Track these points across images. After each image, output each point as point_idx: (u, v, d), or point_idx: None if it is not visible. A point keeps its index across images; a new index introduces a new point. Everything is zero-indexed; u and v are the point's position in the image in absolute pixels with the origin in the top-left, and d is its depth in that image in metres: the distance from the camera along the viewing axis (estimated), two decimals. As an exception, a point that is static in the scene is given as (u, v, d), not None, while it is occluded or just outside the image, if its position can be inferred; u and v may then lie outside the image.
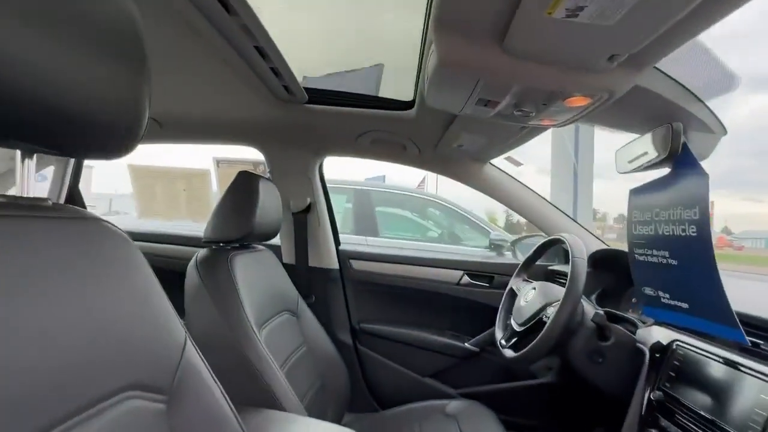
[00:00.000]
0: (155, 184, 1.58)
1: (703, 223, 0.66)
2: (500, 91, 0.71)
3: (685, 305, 0.74)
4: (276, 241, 1.61)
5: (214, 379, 0.58)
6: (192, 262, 1.02)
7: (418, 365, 1.56)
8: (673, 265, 0.74)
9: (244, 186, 1.10)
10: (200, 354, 0.58)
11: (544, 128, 1.01)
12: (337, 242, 1.65)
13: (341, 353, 1.37)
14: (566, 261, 1.06)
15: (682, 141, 0.65)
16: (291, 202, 1.53)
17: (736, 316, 0.64)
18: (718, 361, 0.75)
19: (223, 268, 1.02)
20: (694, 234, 0.68)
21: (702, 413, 0.73)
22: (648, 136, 0.73)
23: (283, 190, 1.54)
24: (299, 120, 1.27)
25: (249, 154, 1.54)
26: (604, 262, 1.32)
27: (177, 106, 1.25)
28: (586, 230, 1.44)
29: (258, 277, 1.14)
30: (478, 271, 1.59)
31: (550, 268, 1.52)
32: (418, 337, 1.56)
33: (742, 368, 0.70)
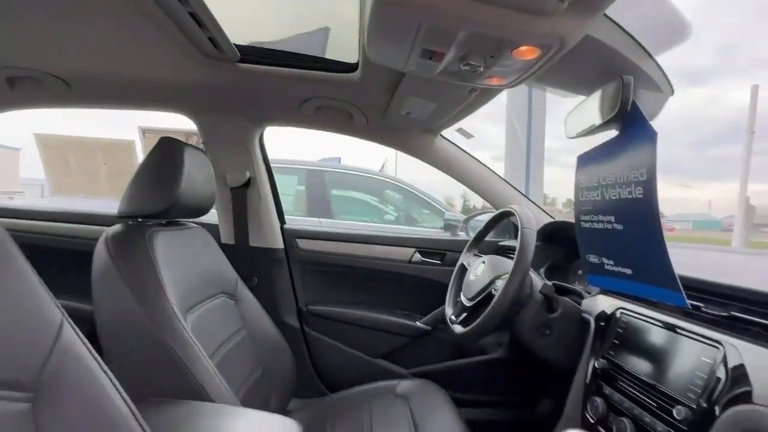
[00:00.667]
0: (69, 156, 1.37)
1: (651, 184, 0.63)
2: (445, 39, 0.64)
3: (628, 271, 0.72)
4: (215, 220, 1.48)
5: (104, 370, 0.48)
6: (101, 239, 0.89)
7: (368, 346, 1.50)
8: (618, 230, 0.71)
9: (165, 153, 0.96)
10: (83, 340, 0.48)
11: (494, 91, 0.96)
12: (282, 220, 1.55)
13: (287, 337, 1.28)
14: (516, 236, 1.03)
15: (631, 97, 0.62)
16: (228, 176, 1.40)
17: (678, 280, 0.63)
18: (660, 327, 0.75)
19: (140, 245, 0.89)
20: (641, 196, 0.65)
21: (644, 379, 0.72)
22: (596, 95, 0.69)
23: (219, 162, 1.40)
24: (232, 82, 1.14)
25: (181, 124, 1.39)
26: (553, 235, 1.31)
27: (86, 63, 1.08)
28: (537, 205, 1.44)
29: (184, 257, 1.02)
30: (429, 249, 1.54)
31: (501, 243, 1.50)
32: (368, 317, 1.51)
33: (683, 332, 0.70)
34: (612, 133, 0.73)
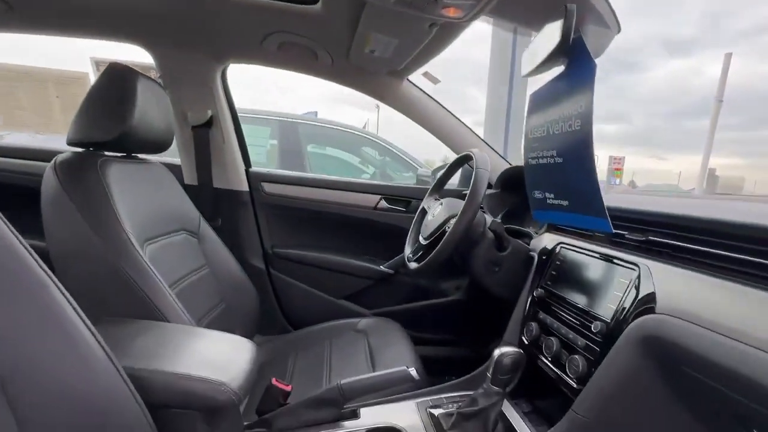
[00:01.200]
0: (18, 87, 1.30)
1: (587, 116, 0.66)
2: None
3: (565, 203, 0.76)
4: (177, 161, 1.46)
5: (59, 288, 0.49)
6: (49, 166, 0.87)
7: (332, 288, 1.55)
8: (559, 164, 0.75)
9: (115, 79, 0.93)
10: (35, 257, 0.48)
11: (455, 28, 0.95)
12: (247, 164, 1.53)
13: (252, 278, 1.31)
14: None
15: (574, 26, 0.63)
16: (189, 114, 1.36)
17: (605, 209, 0.67)
18: (592, 256, 0.80)
19: (91, 173, 0.88)
20: (578, 128, 0.68)
21: (573, 302, 0.79)
22: (546, 29, 0.70)
23: (179, 99, 1.36)
24: (189, 10, 1.09)
25: (140, 57, 1.32)
26: (511, 181, 1.35)
27: (28, -21, 1.01)
28: (497, 152, 1.47)
29: (142, 191, 1.01)
30: (394, 196, 1.57)
31: (463, 192, 1.55)
32: (332, 260, 1.55)
33: (609, 259, 0.76)
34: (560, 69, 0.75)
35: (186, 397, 0.63)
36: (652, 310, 0.61)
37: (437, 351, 1.52)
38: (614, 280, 0.71)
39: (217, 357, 0.71)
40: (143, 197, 1.01)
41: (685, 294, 0.57)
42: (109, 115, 0.91)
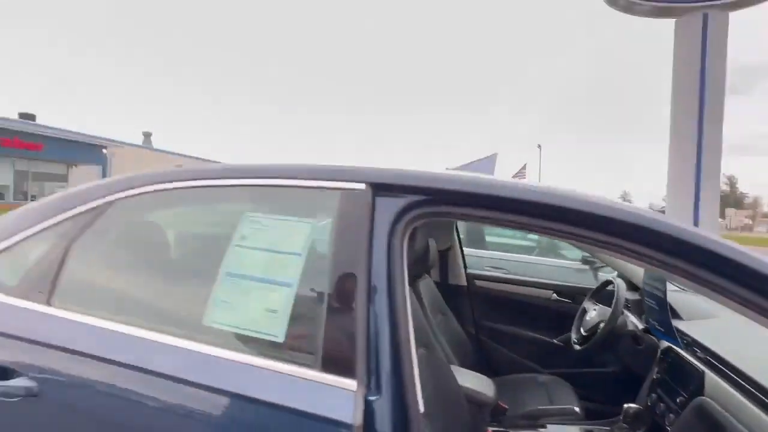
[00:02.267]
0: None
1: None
2: None
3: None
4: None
5: None
6: None
7: (517, 350, 2.36)
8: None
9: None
10: None
11: None
12: (465, 266, 2.53)
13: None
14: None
15: None
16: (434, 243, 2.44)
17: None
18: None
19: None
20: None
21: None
22: None
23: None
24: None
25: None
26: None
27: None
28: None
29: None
30: (564, 292, 2.33)
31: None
32: (519, 332, 2.37)
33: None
34: None
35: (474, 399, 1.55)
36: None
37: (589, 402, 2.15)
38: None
39: (480, 382, 1.63)
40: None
41: None
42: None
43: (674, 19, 7.99)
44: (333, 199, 0.95)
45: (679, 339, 1.37)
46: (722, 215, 66.51)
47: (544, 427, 1.64)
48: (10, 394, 0.88)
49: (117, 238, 1.17)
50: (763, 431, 1.04)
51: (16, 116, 23.29)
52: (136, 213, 1.18)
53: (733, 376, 1.20)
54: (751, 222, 71.47)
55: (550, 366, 2.29)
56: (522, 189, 0.89)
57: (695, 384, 1.29)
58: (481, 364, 2.39)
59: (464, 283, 2.47)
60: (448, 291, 2.45)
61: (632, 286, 1.97)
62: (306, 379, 0.81)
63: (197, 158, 42.40)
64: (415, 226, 0.95)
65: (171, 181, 1.09)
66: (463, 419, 1.41)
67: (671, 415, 1.36)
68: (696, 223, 7.39)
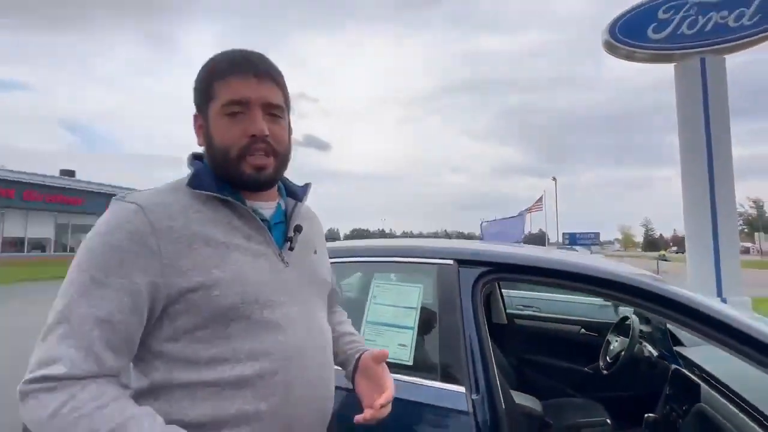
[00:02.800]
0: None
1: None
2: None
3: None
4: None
5: None
6: None
7: (557, 379, 2.78)
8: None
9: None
10: None
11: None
12: (504, 306, 3.00)
13: None
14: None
15: None
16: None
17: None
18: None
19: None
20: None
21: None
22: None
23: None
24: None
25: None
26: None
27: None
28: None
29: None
30: (590, 327, 2.77)
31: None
32: (556, 363, 2.80)
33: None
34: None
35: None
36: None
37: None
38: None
39: (529, 400, 2.07)
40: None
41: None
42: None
43: (673, 64, 8.62)
44: (434, 270, 1.50)
45: (681, 361, 1.82)
46: (752, 239, 64.21)
47: (582, 437, 2.06)
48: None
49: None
50: (740, 424, 1.48)
51: (57, 173, 25.13)
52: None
53: (718, 386, 1.65)
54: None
55: (583, 391, 2.69)
56: (553, 261, 1.42)
57: (694, 394, 1.74)
58: (525, 390, 2.81)
59: (505, 321, 2.93)
60: (492, 329, 2.92)
61: (645, 320, 2.42)
62: (432, 386, 1.32)
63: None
64: (487, 285, 1.49)
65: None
66: (521, 428, 1.86)
67: (680, 420, 1.79)
68: (716, 247, 7.66)
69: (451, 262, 1.48)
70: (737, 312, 1.23)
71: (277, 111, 0.81)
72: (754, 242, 53.06)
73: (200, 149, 0.85)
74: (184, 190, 0.78)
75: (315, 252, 0.94)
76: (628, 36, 8.78)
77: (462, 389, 1.28)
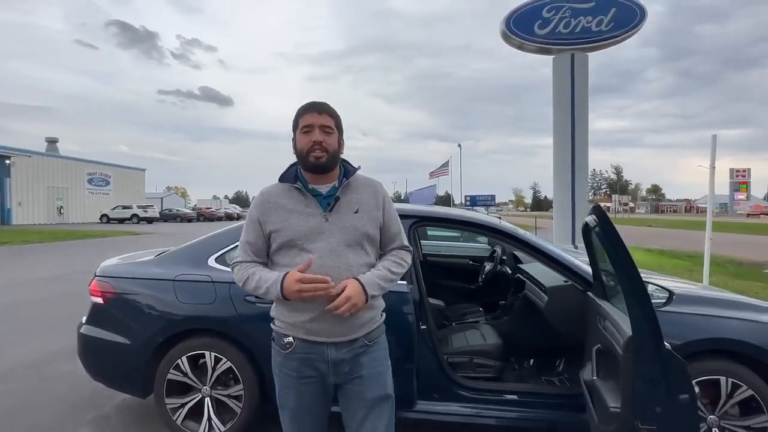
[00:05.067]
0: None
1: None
2: None
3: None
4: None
5: None
6: None
7: (455, 293, 4.17)
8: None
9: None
10: None
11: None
12: (420, 249, 4.28)
13: None
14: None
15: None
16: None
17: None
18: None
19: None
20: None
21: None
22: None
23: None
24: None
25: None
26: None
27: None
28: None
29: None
30: (474, 259, 4.19)
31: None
32: (454, 284, 4.18)
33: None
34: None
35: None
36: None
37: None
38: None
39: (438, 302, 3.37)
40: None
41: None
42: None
43: (552, 56, 10.55)
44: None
45: (519, 272, 3.24)
46: (610, 200, 77.18)
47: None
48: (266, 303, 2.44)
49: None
50: (536, 293, 2.88)
51: None
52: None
53: (532, 282, 3.09)
54: (633, 205, 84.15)
55: (470, 299, 4.10)
56: (452, 214, 2.64)
57: (522, 287, 3.16)
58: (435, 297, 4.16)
59: (422, 258, 4.19)
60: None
61: (502, 251, 3.88)
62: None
63: (113, 165, 39.45)
64: (418, 229, 2.66)
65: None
66: (433, 315, 3.15)
67: (515, 302, 3.22)
68: (573, 205, 9.99)
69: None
70: (545, 242, 2.60)
71: (329, 129, 1.38)
72: (611, 202, 63.89)
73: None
74: (279, 183, 1.46)
75: (357, 212, 1.40)
76: (519, 29, 10.41)
77: (405, 282, 2.43)
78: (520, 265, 3.43)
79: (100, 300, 2.59)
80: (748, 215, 49.67)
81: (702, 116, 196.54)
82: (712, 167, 5.78)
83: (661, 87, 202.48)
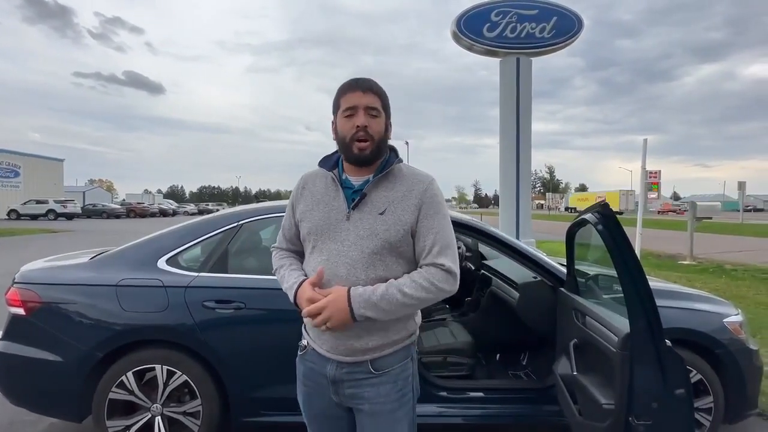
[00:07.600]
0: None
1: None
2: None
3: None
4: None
5: None
6: None
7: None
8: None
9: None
10: None
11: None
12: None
13: None
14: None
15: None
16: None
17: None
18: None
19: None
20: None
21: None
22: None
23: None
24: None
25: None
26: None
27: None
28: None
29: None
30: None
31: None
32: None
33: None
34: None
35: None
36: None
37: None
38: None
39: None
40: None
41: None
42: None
43: (499, 59, 10.93)
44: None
45: (484, 269, 3.25)
46: (544, 198, 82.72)
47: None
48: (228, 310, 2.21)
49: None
50: (504, 288, 2.91)
51: None
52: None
53: (498, 277, 3.12)
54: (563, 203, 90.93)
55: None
56: None
57: (488, 283, 3.18)
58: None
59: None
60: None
61: (467, 248, 3.90)
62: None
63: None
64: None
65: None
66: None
67: (482, 298, 3.23)
68: (518, 202, 10.45)
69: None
70: (512, 238, 2.59)
71: (374, 112, 1.19)
72: (545, 200, 68.49)
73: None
74: (319, 169, 1.30)
75: (383, 213, 1.18)
76: (469, 30, 10.66)
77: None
78: (486, 262, 3.45)
79: (21, 311, 2.20)
80: (659, 212, 55.63)
81: (621, 122, 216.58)
82: (643, 168, 6.28)
83: (586, 94, 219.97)
